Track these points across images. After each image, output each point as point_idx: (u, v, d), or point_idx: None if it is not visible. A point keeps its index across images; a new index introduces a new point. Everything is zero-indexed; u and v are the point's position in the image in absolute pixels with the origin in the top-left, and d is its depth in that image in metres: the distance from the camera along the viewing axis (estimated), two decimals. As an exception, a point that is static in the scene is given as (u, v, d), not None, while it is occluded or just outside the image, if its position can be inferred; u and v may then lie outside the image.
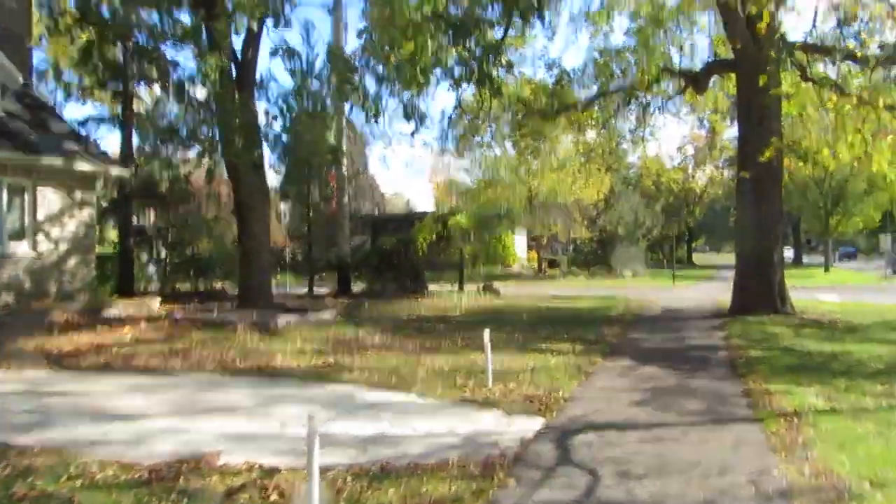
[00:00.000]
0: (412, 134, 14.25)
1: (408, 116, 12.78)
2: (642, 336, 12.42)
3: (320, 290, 20.75)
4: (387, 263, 19.01)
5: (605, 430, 5.83)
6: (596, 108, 21.19)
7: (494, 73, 13.92)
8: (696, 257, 69.76)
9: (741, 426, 5.93)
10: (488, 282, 19.69)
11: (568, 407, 6.68)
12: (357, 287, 20.44)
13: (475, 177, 35.13)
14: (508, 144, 31.29)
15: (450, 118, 19.01)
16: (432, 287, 20.66)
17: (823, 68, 17.33)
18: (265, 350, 9.80)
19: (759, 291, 14.81)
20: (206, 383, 7.82)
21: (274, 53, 13.12)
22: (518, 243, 43.01)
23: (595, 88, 20.24)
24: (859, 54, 14.34)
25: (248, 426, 5.96)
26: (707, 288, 28.07)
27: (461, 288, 20.18)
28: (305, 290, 20.23)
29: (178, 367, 8.61)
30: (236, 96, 12.86)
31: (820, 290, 25.51)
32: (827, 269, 39.54)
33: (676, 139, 59.37)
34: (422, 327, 12.81)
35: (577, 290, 26.57)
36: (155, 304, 15.38)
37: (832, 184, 37.35)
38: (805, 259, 57.38)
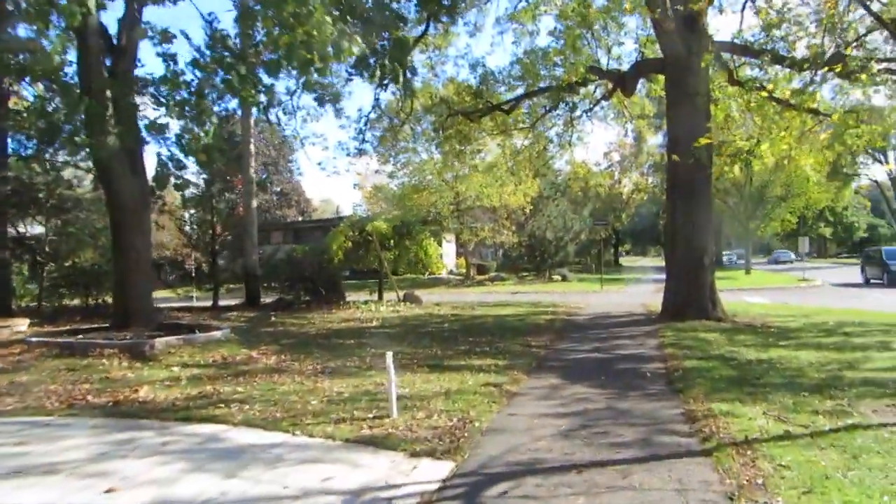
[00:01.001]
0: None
1: (319, 101, 11.39)
2: (572, 346, 11.48)
3: (230, 302, 18.99)
4: (298, 273, 17.46)
5: (527, 476, 4.69)
6: (523, 109, 20.45)
7: (413, 70, 12.91)
8: (624, 261, 70.99)
9: (688, 463, 4.91)
10: (410, 290, 18.47)
11: (484, 443, 5.52)
12: (270, 298, 18.80)
13: (401, 182, 33.91)
14: (434, 148, 30.44)
15: (366, 118, 17.75)
16: (352, 297, 19.26)
17: (751, 72, 17.16)
18: (131, 379, 8.21)
19: (690, 296, 14.22)
20: (37, 428, 6.22)
21: (147, 38, 11.35)
22: (447, 250, 42.07)
23: (521, 89, 19.47)
24: (787, 57, 14.06)
25: (62, 498, 4.46)
26: (635, 291, 27.86)
27: (381, 297, 18.86)
28: (211, 303, 18.42)
29: (10, 407, 6.94)
30: (109, 87, 11.09)
31: (745, 292, 25.65)
32: (748, 272, 40.48)
33: (604, 146, 60.27)
34: (329, 343, 11.43)
35: (505, 296, 25.75)
36: (23, 324, 13.33)
37: (751, 189, 38.25)
38: (724, 261, 59.04)
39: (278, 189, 72.54)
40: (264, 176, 72.29)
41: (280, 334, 12.69)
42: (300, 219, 50.61)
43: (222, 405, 6.87)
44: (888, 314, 15.72)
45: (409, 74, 10.94)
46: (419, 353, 10.26)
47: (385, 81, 11.20)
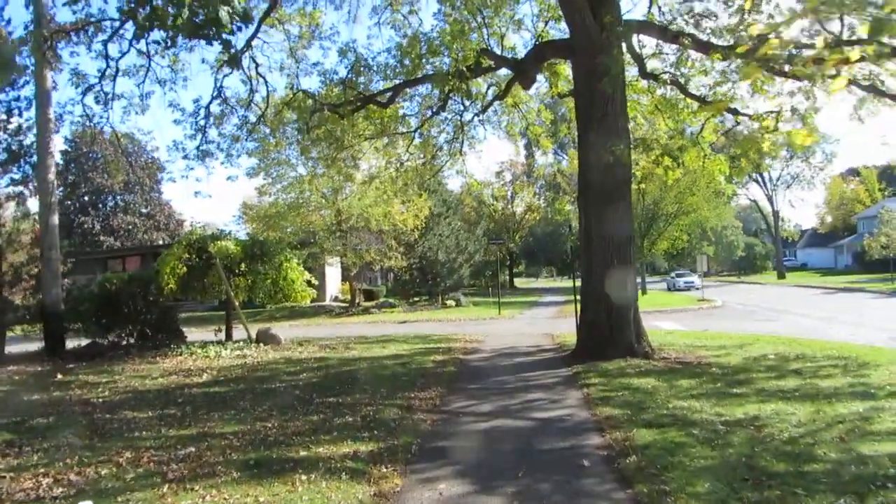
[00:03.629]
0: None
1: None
2: (470, 406, 8.30)
3: (26, 348, 14.30)
4: (114, 308, 13.24)
5: None
6: (407, 110, 17.46)
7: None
8: (518, 282, 69.80)
9: None
10: (265, 328, 14.61)
11: None
12: (86, 340, 14.34)
13: (276, 198, 29.86)
14: (301, 157, 26.80)
15: (206, 110, 13.93)
16: (195, 335, 15.19)
17: (660, 64, 15.14)
18: None
19: (610, 327, 11.54)
20: None
21: None
22: (331, 274, 38.17)
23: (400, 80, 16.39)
24: (708, 43, 11.97)
25: None
26: (536, 317, 25.45)
27: (228, 337, 14.88)
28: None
29: None
30: None
31: (649, 314, 23.83)
32: (644, 292, 39.57)
33: (496, 165, 58.81)
34: (107, 424, 7.52)
35: (391, 327, 22.40)
36: None
37: (644, 205, 37.36)
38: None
39: (145, 210, 65.67)
40: (118, 197, 65.05)
41: (41, 406, 8.59)
42: (160, 243, 44.78)
43: None
44: (819, 341, 13.91)
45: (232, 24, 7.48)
46: (244, 434, 6.70)
47: (207, 33, 7.64)
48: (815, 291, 36.75)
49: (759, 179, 59.82)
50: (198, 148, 14.64)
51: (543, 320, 24.00)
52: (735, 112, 14.32)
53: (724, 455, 5.52)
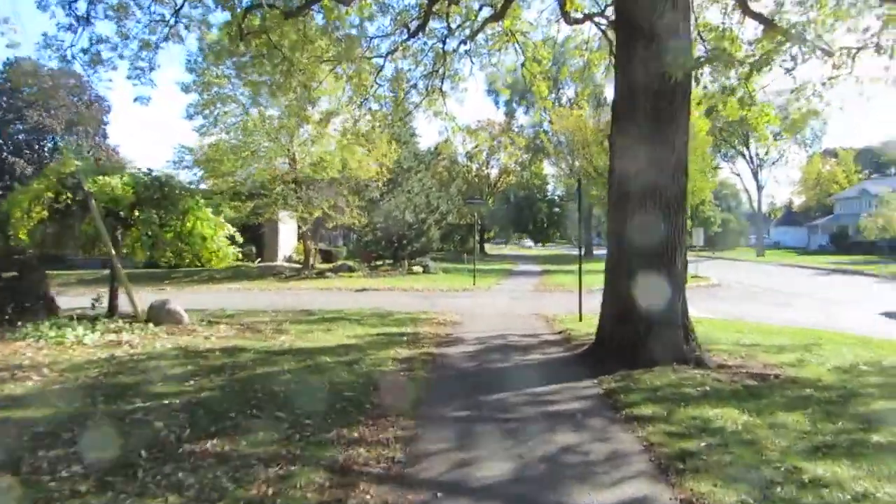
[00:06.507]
0: None
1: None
2: (455, 475, 4.68)
3: None
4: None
5: None
6: (372, 10, 13.51)
7: None
8: (489, 248, 66.44)
9: None
10: (161, 301, 10.46)
11: None
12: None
13: (217, 138, 25.46)
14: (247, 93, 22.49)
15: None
16: (75, 303, 11.28)
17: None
18: None
19: (648, 319, 8.05)
20: None
21: None
22: (284, 232, 34.13)
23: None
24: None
25: None
26: (516, 289, 22.01)
27: (112, 311, 10.92)
28: None
29: None
30: None
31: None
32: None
33: (474, 120, 54.46)
34: None
35: (346, 297, 18.69)
36: None
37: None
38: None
39: (89, 155, 60.06)
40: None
41: None
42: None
43: None
44: (866, 337, 10.89)
45: None
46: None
47: None
48: (807, 272, 34.30)
49: (746, 154, 57.21)
50: (83, 50, 10.49)
51: (526, 294, 20.62)
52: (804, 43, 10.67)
53: None
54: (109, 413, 5.50)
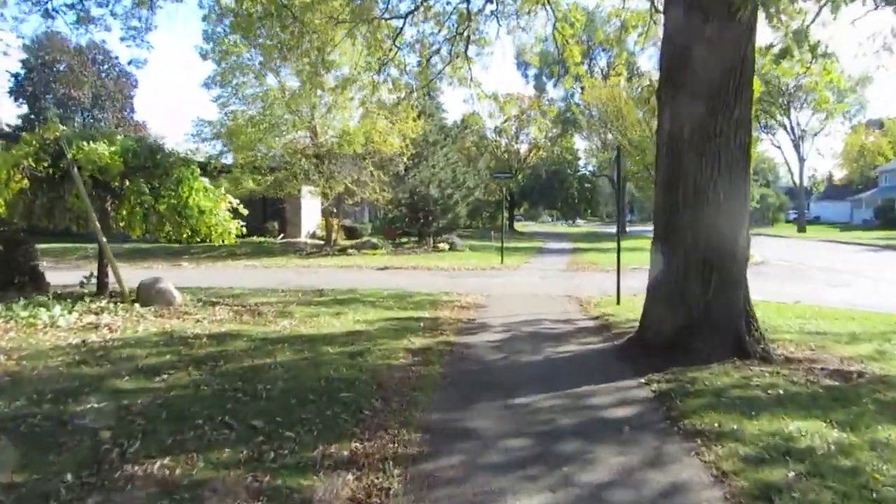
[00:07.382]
0: None
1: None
2: (467, 501, 3.64)
3: None
4: None
5: None
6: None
7: None
8: (517, 225, 64.98)
9: None
10: (151, 280, 9.41)
11: None
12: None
13: (233, 109, 24.57)
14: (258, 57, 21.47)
15: None
16: (66, 278, 10.46)
17: None
18: None
19: (706, 304, 6.81)
20: None
21: None
22: (308, 208, 33.26)
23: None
24: None
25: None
26: (547, 268, 20.76)
27: (101, 289, 10.00)
28: None
29: None
30: None
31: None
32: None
33: (501, 93, 52.40)
34: None
35: (366, 275, 17.70)
36: None
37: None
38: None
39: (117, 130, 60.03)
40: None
41: None
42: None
43: None
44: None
45: None
46: None
47: None
48: (854, 248, 32.26)
49: (788, 124, 54.36)
50: (68, 4, 9.52)
51: (557, 273, 19.36)
52: None
53: None
54: (51, 416, 4.53)
